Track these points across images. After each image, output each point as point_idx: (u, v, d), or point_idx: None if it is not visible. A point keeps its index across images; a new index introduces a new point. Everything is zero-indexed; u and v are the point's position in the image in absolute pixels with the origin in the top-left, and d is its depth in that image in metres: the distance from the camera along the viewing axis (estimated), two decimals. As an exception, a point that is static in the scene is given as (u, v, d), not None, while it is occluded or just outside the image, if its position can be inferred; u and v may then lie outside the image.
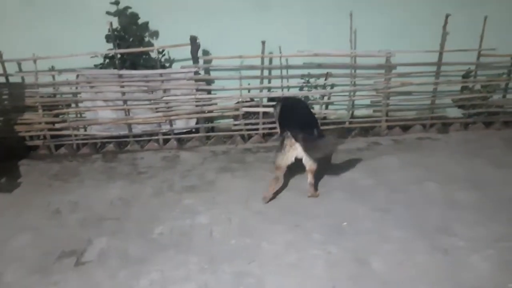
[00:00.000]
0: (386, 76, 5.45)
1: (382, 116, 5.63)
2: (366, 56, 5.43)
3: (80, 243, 3.24)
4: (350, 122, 5.63)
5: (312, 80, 5.41)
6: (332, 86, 5.52)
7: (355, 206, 3.67)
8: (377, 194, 3.88)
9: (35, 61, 4.96)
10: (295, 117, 4.08)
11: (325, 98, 5.57)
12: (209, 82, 5.41)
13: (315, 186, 3.93)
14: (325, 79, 5.43)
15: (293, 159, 3.75)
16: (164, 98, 5.16)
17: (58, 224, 3.54)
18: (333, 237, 3.22)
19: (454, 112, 5.85)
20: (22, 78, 5.16)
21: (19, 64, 5.14)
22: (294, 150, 3.71)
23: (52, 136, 5.19)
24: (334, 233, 3.28)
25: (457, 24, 5.33)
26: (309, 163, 3.79)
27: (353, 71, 5.49)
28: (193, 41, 4.96)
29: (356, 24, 5.37)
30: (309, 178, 3.88)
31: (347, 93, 5.54)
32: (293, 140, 3.68)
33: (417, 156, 4.77)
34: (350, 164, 4.55)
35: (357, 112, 5.84)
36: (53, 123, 5.18)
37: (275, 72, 5.47)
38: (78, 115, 5.31)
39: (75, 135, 5.21)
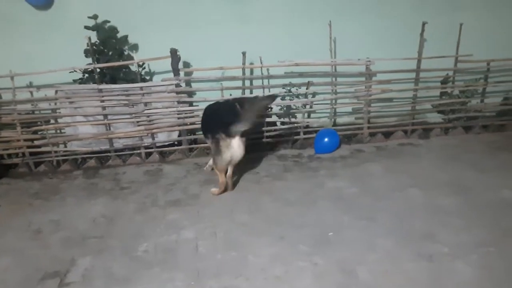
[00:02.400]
0: (366, 83, 5.51)
1: (364, 123, 5.68)
2: (346, 64, 5.48)
3: (63, 263, 3.15)
4: (333, 130, 5.67)
5: (293, 89, 5.43)
6: (314, 94, 5.55)
7: (340, 215, 3.68)
8: (362, 202, 3.90)
9: (12, 78, 4.87)
10: (216, 118, 4.23)
11: (307, 106, 5.59)
12: (190, 94, 5.39)
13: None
14: (307, 88, 5.46)
15: (230, 158, 4.06)
16: (146, 111, 5.12)
17: (39, 244, 3.45)
18: (319, 247, 3.21)
19: (434, 118, 5.94)
20: (0, 95, 5.06)
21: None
22: (231, 149, 4.00)
23: (31, 154, 5.08)
24: (320, 243, 3.27)
25: (433, 31, 5.45)
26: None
27: (334, 79, 5.54)
28: (174, 53, 4.94)
29: (335, 33, 5.43)
30: (230, 171, 4.24)
31: (328, 101, 5.59)
32: (227, 139, 3.96)
33: (399, 163, 4.83)
34: (334, 172, 4.58)
35: (339, 120, 5.90)
36: (32, 140, 5.08)
37: (257, 83, 5.48)
38: (58, 131, 5.22)
39: (55, 152, 5.12)
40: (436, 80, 5.79)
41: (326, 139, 5.23)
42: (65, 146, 5.23)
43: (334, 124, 5.75)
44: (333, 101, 5.59)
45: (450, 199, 3.88)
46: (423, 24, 5.38)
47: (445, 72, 5.76)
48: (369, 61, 5.43)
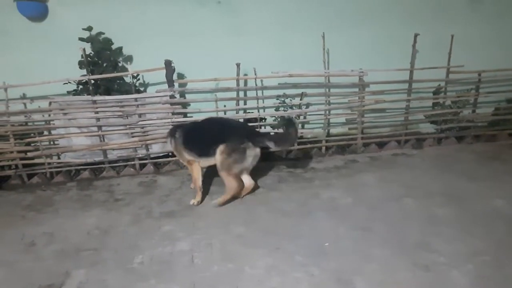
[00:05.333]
0: (360, 94, 5.56)
1: (358, 133, 5.72)
2: (340, 75, 5.53)
3: (58, 276, 3.12)
4: (327, 141, 5.70)
5: (287, 100, 5.46)
6: (308, 105, 5.58)
7: (336, 226, 3.68)
8: (357, 212, 3.91)
9: (5, 90, 4.85)
10: (236, 129, 4.28)
11: (301, 117, 5.62)
12: (184, 105, 5.40)
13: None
14: (301, 99, 5.49)
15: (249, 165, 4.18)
16: (140, 122, 5.11)
17: (33, 257, 3.41)
18: (315, 258, 3.21)
19: (427, 128, 6.00)
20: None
21: None
22: (255, 157, 4.16)
23: (25, 165, 5.05)
24: (316, 254, 3.27)
25: (425, 43, 5.52)
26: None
27: (327, 90, 5.58)
28: (168, 64, 4.96)
29: (329, 45, 5.48)
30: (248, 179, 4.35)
31: (322, 112, 5.62)
32: (254, 149, 4.09)
33: (393, 173, 4.87)
34: (328, 182, 4.60)
35: (333, 130, 5.93)
36: (25, 151, 5.05)
37: (251, 94, 5.51)
38: (51, 143, 5.19)
39: (49, 163, 5.09)
40: (428, 91, 5.87)
41: None
42: (59, 158, 5.20)
43: (328, 135, 5.78)
44: (327, 112, 5.62)
45: (444, 209, 3.91)
46: (415, 35, 5.46)
47: (437, 83, 5.84)
48: (362, 72, 5.48)
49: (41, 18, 5.14)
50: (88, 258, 3.35)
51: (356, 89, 5.62)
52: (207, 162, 4.25)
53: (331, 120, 5.81)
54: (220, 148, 4.02)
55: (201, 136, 4.29)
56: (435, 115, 5.88)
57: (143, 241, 3.57)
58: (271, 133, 4.68)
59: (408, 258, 3.16)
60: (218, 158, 4.05)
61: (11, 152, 4.99)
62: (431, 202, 4.06)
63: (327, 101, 5.59)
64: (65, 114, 5.05)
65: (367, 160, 5.37)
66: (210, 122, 4.50)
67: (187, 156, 4.31)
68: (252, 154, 4.10)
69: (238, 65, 5.26)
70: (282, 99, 5.45)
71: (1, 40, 5.10)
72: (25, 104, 5.01)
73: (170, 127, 5.13)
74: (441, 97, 5.88)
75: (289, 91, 5.49)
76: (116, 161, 5.24)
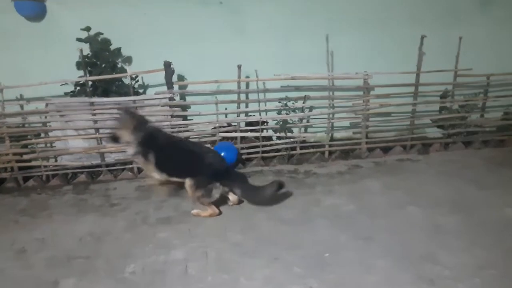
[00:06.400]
0: (364, 97, 5.41)
1: (362, 138, 5.57)
2: (344, 78, 5.39)
3: (46, 285, 3.00)
4: (330, 145, 5.55)
5: (290, 103, 5.32)
6: (311, 108, 5.44)
7: (337, 235, 3.54)
8: (360, 221, 3.76)
9: (1, 90, 4.75)
10: (200, 163, 4.00)
11: (304, 121, 5.48)
12: (184, 107, 5.27)
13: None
14: (303, 102, 5.35)
15: None
16: (139, 125, 4.99)
17: (22, 265, 3.29)
18: (315, 269, 3.06)
19: (434, 133, 5.83)
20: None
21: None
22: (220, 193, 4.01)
23: (20, 168, 4.94)
24: (316, 265, 3.12)
25: (432, 45, 5.37)
26: None
27: (331, 93, 5.44)
28: (167, 66, 4.85)
29: (333, 47, 5.35)
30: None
31: (326, 116, 5.47)
32: (219, 187, 3.96)
33: (398, 179, 4.71)
34: (331, 189, 4.45)
35: (337, 135, 5.79)
36: (21, 154, 4.95)
37: (252, 96, 5.38)
38: (48, 145, 5.08)
39: (45, 166, 4.98)
40: (435, 95, 5.71)
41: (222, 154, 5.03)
42: (56, 161, 5.10)
43: (331, 139, 5.64)
44: (330, 116, 5.47)
45: (450, 218, 3.75)
46: (422, 37, 5.32)
47: (444, 87, 5.69)
48: (367, 74, 5.34)
49: (39, 18, 5.05)
50: (79, 267, 3.23)
51: (361, 92, 5.47)
52: (178, 180, 4.05)
53: (334, 124, 5.67)
54: (188, 181, 3.87)
55: (174, 159, 4.02)
56: (442, 120, 5.73)
57: (137, 248, 3.45)
58: (245, 181, 4.46)
59: (412, 271, 3.01)
60: (186, 187, 3.90)
61: (7, 154, 4.88)
62: (437, 210, 3.90)
63: (331, 105, 5.45)
64: (62, 116, 4.95)
65: (371, 166, 5.22)
66: (187, 147, 4.21)
67: (157, 175, 4.07)
68: (219, 192, 3.98)
69: (239, 67, 5.14)
70: (285, 102, 5.31)
71: (-3, 41, 5.01)
72: (21, 105, 4.91)
73: (170, 130, 5.04)
74: (449, 101, 5.73)
75: (291, 94, 5.35)
76: (113, 165, 5.13)
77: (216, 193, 3.94)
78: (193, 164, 3.99)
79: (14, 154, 4.90)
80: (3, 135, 4.83)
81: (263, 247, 3.40)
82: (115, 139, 4.05)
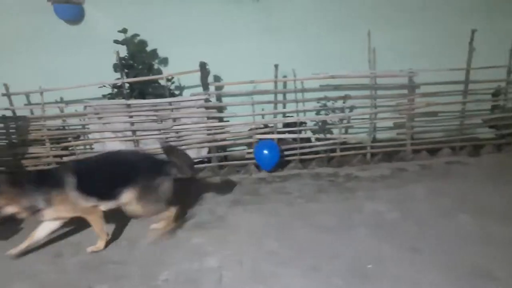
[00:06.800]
0: (409, 96, 5.11)
1: (407, 139, 5.27)
2: (387, 76, 5.12)
3: (79, 291, 2.98)
4: (372, 147, 5.28)
5: (329, 103, 5.10)
6: (351, 108, 5.20)
7: (380, 244, 3.30)
8: (405, 230, 3.50)
9: (41, 94, 4.83)
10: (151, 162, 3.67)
11: (344, 121, 5.25)
12: (220, 109, 5.17)
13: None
14: (344, 102, 5.12)
15: None
16: (174, 127, 4.94)
17: (57, 269, 3.29)
18: (356, 282, 2.86)
19: (486, 133, 5.44)
20: (31, 111, 5.05)
21: (27, 97, 5.05)
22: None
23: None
24: (357, 277, 2.92)
25: (484, 39, 5.02)
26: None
27: (373, 92, 5.18)
28: (203, 67, 4.77)
29: (375, 43, 5.08)
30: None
31: (367, 116, 5.21)
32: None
33: (447, 184, 4.40)
34: (373, 194, 4.21)
35: (379, 136, 5.51)
36: (61, 156, 5.01)
37: (290, 96, 5.20)
38: (87, 147, 5.12)
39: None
40: (486, 92, 5.34)
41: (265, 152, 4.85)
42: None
43: (374, 140, 5.37)
44: (373, 116, 5.20)
45: (505, 228, 3.42)
46: (473, 31, 4.99)
47: (497, 84, 5.31)
48: (412, 72, 5.04)
49: (77, 21, 5.10)
50: (113, 272, 3.19)
51: (405, 91, 5.17)
52: (109, 205, 3.54)
53: (377, 125, 5.39)
54: (128, 193, 3.43)
55: (100, 177, 3.47)
56: (494, 119, 5.35)
57: (170, 254, 3.37)
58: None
59: (464, 286, 2.74)
60: (130, 206, 3.48)
61: (47, 156, 4.96)
62: (490, 219, 3.57)
63: (373, 104, 5.18)
64: (100, 118, 4.98)
65: (417, 169, 4.92)
66: (107, 159, 3.67)
67: (84, 203, 3.41)
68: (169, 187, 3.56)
69: (276, 66, 4.97)
70: (324, 102, 5.09)
71: (37, 43, 5.09)
72: (60, 108, 4.97)
73: (205, 131, 4.96)
74: (501, 99, 5.35)
75: (331, 94, 5.13)
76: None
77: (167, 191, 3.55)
78: (125, 172, 3.50)
79: (54, 156, 4.97)
80: (44, 137, 4.91)
81: (300, 256, 3.23)
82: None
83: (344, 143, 5.27)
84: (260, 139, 5.07)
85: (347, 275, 2.95)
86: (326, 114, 5.15)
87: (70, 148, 5.05)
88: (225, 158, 5.29)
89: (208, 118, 4.99)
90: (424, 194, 4.19)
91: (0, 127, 5.00)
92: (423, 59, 5.08)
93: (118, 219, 4.02)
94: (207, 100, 4.94)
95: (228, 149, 5.40)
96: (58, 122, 5.01)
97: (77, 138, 5.06)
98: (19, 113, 5.00)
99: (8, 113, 4.99)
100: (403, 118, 5.24)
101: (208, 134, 5.01)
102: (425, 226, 3.54)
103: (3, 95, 4.86)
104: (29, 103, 5.11)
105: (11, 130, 5.03)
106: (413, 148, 5.29)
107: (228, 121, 5.14)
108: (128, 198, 3.45)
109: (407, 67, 5.07)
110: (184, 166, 3.63)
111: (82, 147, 5.10)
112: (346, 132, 5.43)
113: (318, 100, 5.11)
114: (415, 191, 4.27)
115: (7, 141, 5.03)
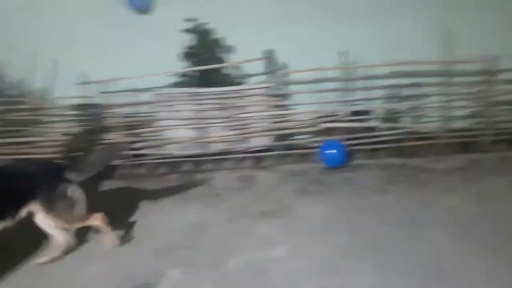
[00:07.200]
0: (489, 83, 4.76)
1: (485, 129, 4.92)
2: (463, 62, 4.79)
3: (153, 275, 3.07)
4: (447, 137, 4.98)
5: (399, 91, 4.87)
6: (423, 96, 4.93)
7: (457, 242, 3.10)
8: (485, 228, 3.27)
9: (114, 82, 5.02)
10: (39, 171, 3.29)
11: (416, 110, 4.99)
12: (286, 97, 5.11)
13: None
14: (415, 90, 4.87)
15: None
16: (240, 115, 4.96)
17: (132, 252, 3.43)
18: (433, 282, 2.71)
19: None
20: (106, 99, 5.27)
21: (103, 85, 5.28)
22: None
23: (132, 156, 5.22)
24: (433, 276, 2.77)
25: None
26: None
27: (448, 79, 4.87)
28: (268, 55, 4.73)
29: (450, 26, 4.76)
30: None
31: (441, 104, 4.93)
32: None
33: (529, 178, 4.07)
34: (448, 187, 3.98)
35: (454, 125, 5.19)
36: (133, 142, 5.21)
37: (357, 84, 5.04)
38: (156, 135, 5.29)
39: (153, 155, 5.20)
40: None
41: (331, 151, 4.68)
42: (163, 150, 5.28)
43: (448, 130, 5.06)
44: (446, 104, 4.90)
45: None
46: None
47: None
48: (494, 57, 4.67)
49: (147, 11, 5.22)
50: (183, 257, 3.27)
51: (483, 78, 4.82)
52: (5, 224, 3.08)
53: (452, 113, 5.08)
54: (27, 209, 3.13)
55: None
56: None
57: (238, 242, 3.40)
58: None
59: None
60: (40, 221, 3.23)
61: (119, 143, 5.18)
62: None
63: (448, 92, 4.88)
64: (168, 106, 5.10)
65: (496, 161, 4.61)
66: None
67: None
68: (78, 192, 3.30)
69: (343, 53, 4.82)
70: (394, 90, 4.88)
71: (110, 34, 5.27)
72: (131, 96, 5.15)
73: (271, 120, 4.93)
74: None
75: (401, 81, 4.90)
76: (215, 154, 5.18)
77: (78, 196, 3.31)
78: (20, 186, 3.12)
79: (127, 142, 5.18)
80: (118, 124, 5.12)
81: (370, 250, 3.13)
82: None
83: (415, 132, 5.02)
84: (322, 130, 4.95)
85: (422, 273, 2.81)
86: (397, 102, 4.93)
87: (142, 135, 5.24)
88: (290, 147, 5.24)
89: (274, 106, 4.95)
90: (504, 188, 3.93)
91: (78, 114, 5.27)
92: (505, 44, 4.74)
93: (188, 205, 4.13)
94: (272, 88, 4.90)
95: (292, 138, 5.35)
96: (130, 109, 5.19)
97: (147, 125, 5.22)
98: (94, 101, 5.25)
99: (85, 101, 5.24)
100: (481, 107, 4.90)
101: (274, 123, 4.99)
102: (507, 225, 3.29)
103: (82, 83, 5.10)
104: (105, 91, 5.33)
105: (89, 117, 5.29)
106: (492, 138, 4.95)
107: (294, 109, 5.07)
108: (28, 213, 3.16)
109: (486, 52, 4.72)
110: (89, 165, 3.43)
111: (151, 134, 5.25)
112: (417, 121, 5.17)
113: (388, 87, 4.89)
114: (494, 185, 4.00)
115: (84, 127, 5.30)
